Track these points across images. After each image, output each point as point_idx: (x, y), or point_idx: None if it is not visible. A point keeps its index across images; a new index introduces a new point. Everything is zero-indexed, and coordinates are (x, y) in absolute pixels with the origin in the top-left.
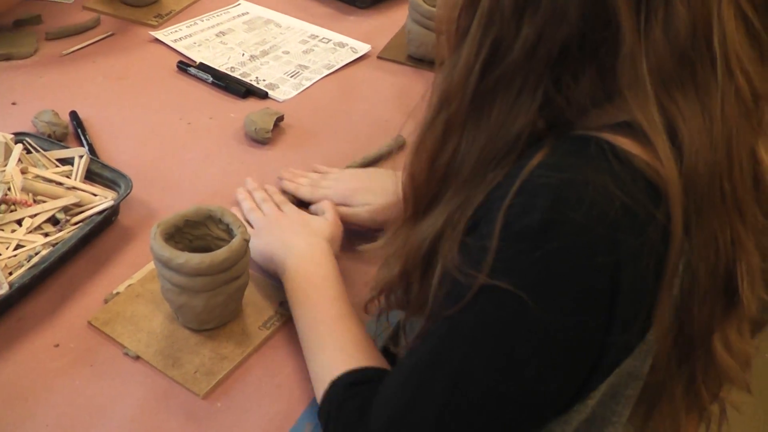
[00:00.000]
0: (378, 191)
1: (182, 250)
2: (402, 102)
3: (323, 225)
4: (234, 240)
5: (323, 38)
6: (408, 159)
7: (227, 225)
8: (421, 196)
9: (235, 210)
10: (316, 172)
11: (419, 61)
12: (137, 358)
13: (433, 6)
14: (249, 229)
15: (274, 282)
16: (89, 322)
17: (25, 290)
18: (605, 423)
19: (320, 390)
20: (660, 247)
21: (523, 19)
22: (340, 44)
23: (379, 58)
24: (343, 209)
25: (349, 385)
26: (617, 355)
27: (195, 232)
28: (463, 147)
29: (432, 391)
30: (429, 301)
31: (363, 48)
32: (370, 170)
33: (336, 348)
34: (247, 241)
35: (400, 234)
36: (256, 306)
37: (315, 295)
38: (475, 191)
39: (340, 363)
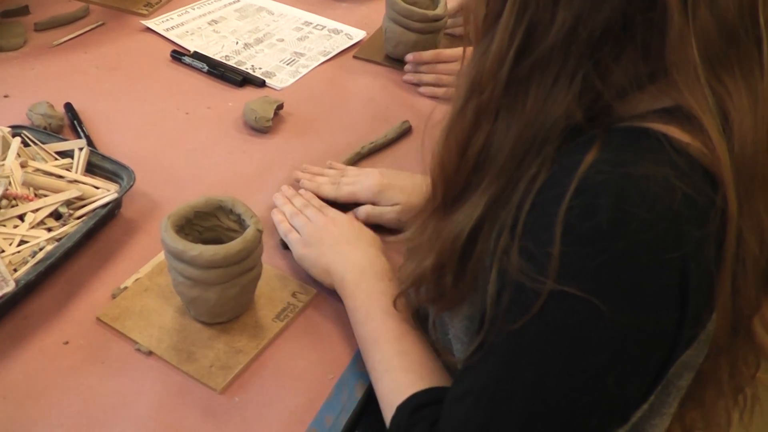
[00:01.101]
0: (408, 189)
1: (192, 241)
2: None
3: (375, 235)
4: (248, 231)
5: (317, 25)
6: (437, 147)
7: (238, 215)
8: (451, 185)
9: (275, 213)
10: (331, 168)
11: (397, 61)
12: (150, 353)
13: (412, 4)
14: (295, 236)
15: (287, 272)
16: (98, 318)
17: (31, 287)
18: (654, 414)
19: (388, 415)
20: (719, 234)
21: (560, 2)
22: (335, 31)
23: (355, 58)
24: (370, 209)
25: (415, 408)
26: (681, 349)
27: (205, 223)
28: (497, 136)
29: (509, 412)
30: (487, 310)
31: (358, 34)
32: (396, 170)
33: (401, 369)
34: (260, 232)
35: (428, 225)
36: (268, 297)
37: (377, 314)
38: (515, 183)
39: (407, 386)
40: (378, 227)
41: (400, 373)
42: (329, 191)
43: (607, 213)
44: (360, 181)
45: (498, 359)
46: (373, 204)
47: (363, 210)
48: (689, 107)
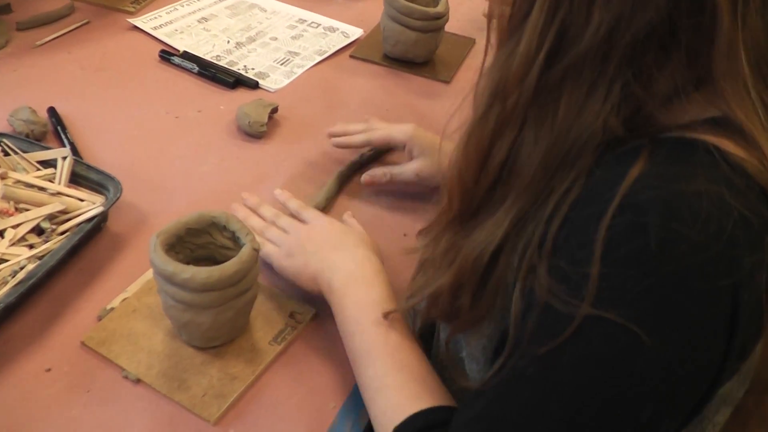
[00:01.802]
0: (435, 149)
1: (183, 260)
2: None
3: (363, 233)
4: (243, 250)
5: (312, 23)
6: (454, 155)
7: (233, 232)
8: (469, 198)
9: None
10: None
11: (396, 61)
12: (138, 381)
13: (411, 1)
14: (271, 247)
15: (284, 290)
16: (83, 342)
17: (11, 309)
18: None
19: None
20: None
21: (596, 2)
22: (331, 29)
23: (351, 57)
24: (391, 168)
25: (420, 430)
26: (722, 382)
27: (197, 240)
28: (523, 148)
29: None
30: (510, 331)
31: (355, 32)
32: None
33: (396, 387)
34: (257, 251)
35: (443, 238)
36: (265, 318)
37: (368, 326)
38: (545, 199)
39: (403, 405)
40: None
41: (394, 391)
42: (360, 139)
43: (655, 233)
44: (393, 126)
45: (522, 386)
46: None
47: (381, 170)
48: (738, 120)
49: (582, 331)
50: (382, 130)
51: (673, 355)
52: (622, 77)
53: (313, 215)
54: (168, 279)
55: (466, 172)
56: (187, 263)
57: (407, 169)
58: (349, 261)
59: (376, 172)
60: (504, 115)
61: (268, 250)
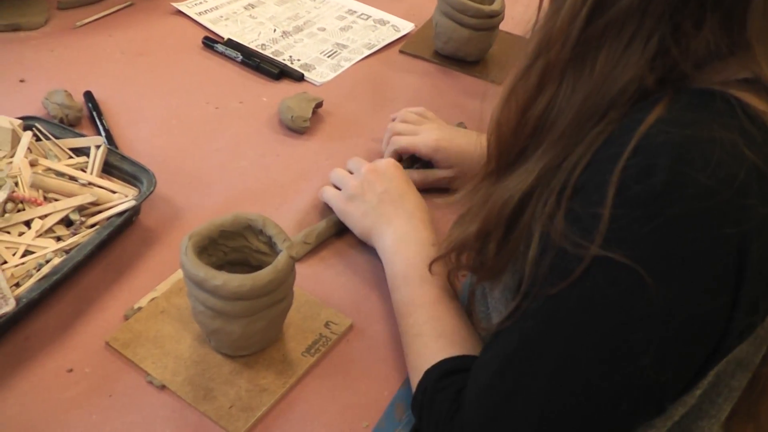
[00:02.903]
0: (465, 152)
1: (216, 263)
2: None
3: (420, 198)
4: (279, 257)
5: (362, 14)
6: (496, 107)
7: (269, 237)
8: (507, 148)
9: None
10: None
11: (447, 59)
12: (163, 387)
13: None
14: (332, 191)
15: (320, 298)
16: (107, 343)
17: (34, 305)
18: (702, 416)
19: (415, 380)
20: None
21: None
22: (381, 21)
23: (401, 53)
24: (423, 173)
25: (443, 374)
26: (735, 341)
27: (231, 243)
28: (560, 98)
29: (534, 381)
30: (519, 267)
31: (406, 26)
32: (456, 128)
33: (432, 335)
34: (294, 259)
35: (480, 189)
36: (298, 327)
37: (414, 280)
38: (573, 149)
39: (436, 351)
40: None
41: (431, 339)
42: (388, 153)
43: (664, 175)
44: (420, 131)
45: (530, 324)
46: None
47: (415, 174)
48: (766, 78)
49: (589, 272)
50: (407, 140)
51: (674, 298)
52: (659, 33)
53: (386, 164)
54: (198, 284)
55: (505, 125)
56: (220, 266)
57: (439, 174)
58: (405, 222)
59: (412, 176)
60: (547, 68)
61: (331, 194)
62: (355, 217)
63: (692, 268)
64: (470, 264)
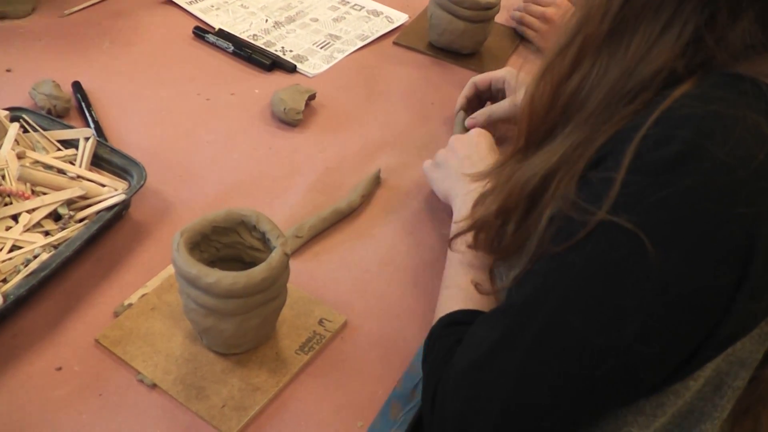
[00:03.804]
0: None
1: (208, 259)
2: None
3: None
4: (273, 254)
5: (355, 5)
6: (531, 82)
7: (263, 233)
8: (537, 125)
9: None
10: None
11: (441, 50)
12: (153, 386)
13: None
14: (427, 162)
15: (314, 294)
16: (97, 341)
17: (22, 302)
18: (704, 418)
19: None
20: None
21: None
22: (375, 12)
23: (395, 44)
24: (486, 109)
25: (451, 322)
26: (734, 331)
27: (224, 239)
28: (594, 77)
29: (521, 334)
30: (532, 244)
31: (400, 18)
32: None
33: (457, 287)
34: (287, 255)
35: (507, 167)
36: (292, 325)
37: (460, 242)
38: (599, 129)
39: (455, 302)
40: None
41: (455, 291)
42: (466, 89)
43: (681, 145)
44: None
45: (530, 281)
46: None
47: (480, 112)
48: None
49: (593, 234)
50: (485, 74)
51: (672, 270)
52: (695, 20)
53: (473, 134)
54: (191, 282)
55: (538, 102)
56: (212, 263)
57: (505, 102)
58: (468, 190)
59: (476, 115)
60: (584, 45)
61: (425, 165)
62: (437, 181)
63: (696, 242)
64: (487, 242)
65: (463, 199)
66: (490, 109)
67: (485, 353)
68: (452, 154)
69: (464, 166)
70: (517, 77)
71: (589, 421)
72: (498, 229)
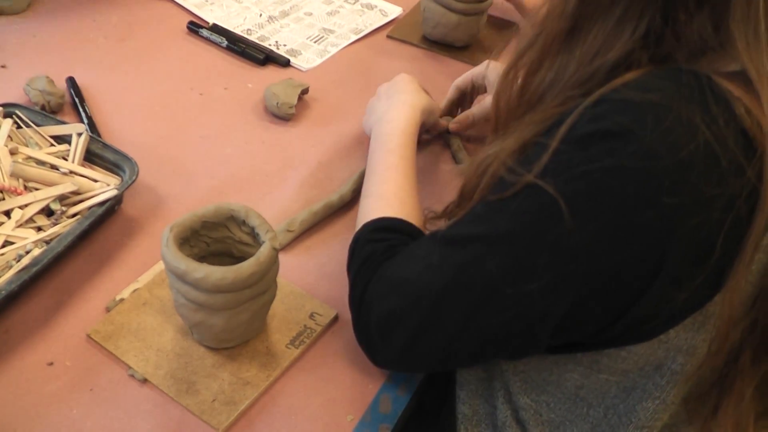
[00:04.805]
0: None
1: (198, 254)
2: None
3: (421, 99)
4: (262, 249)
5: None
6: (499, 81)
7: (252, 228)
8: (505, 119)
9: None
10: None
11: (435, 44)
12: (144, 381)
13: None
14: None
15: (305, 288)
16: (88, 336)
17: (13, 297)
18: (645, 395)
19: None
20: (743, 209)
21: None
22: (368, 6)
23: (389, 38)
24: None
25: (375, 229)
26: (652, 314)
27: (214, 234)
28: (554, 73)
29: (448, 264)
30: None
31: (393, 11)
32: None
33: (377, 196)
34: (276, 250)
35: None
36: (282, 319)
37: (377, 150)
38: (550, 114)
39: (376, 210)
40: None
41: (374, 199)
42: (451, 93)
43: (610, 125)
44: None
45: (464, 221)
46: None
47: (464, 115)
48: (747, 69)
49: (520, 193)
50: (464, 75)
51: (584, 243)
52: (648, 16)
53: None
54: (180, 277)
55: (506, 99)
56: (202, 258)
57: (486, 102)
58: (389, 109)
59: (460, 118)
60: (545, 43)
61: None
62: (365, 122)
63: (612, 221)
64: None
65: (375, 128)
66: (471, 112)
67: (418, 272)
68: (376, 97)
69: (381, 100)
70: (496, 71)
71: (491, 358)
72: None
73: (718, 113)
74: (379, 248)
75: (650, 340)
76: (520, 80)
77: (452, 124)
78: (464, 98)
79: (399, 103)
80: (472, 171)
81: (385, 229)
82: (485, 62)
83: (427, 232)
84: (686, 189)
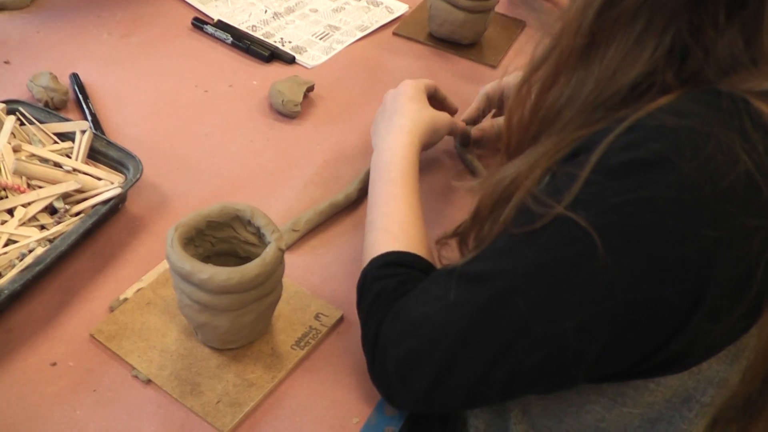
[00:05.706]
0: None
1: (203, 254)
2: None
3: (421, 120)
4: (267, 250)
5: None
6: (512, 96)
7: (258, 228)
8: (519, 136)
9: None
10: None
11: (440, 41)
12: (148, 382)
13: None
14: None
15: (310, 289)
16: (92, 336)
17: (17, 296)
18: (671, 428)
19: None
20: None
21: None
22: (374, 3)
23: (395, 35)
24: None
25: (384, 264)
26: (688, 349)
27: (219, 234)
28: (571, 90)
29: (470, 302)
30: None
31: (400, 8)
32: None
33: (382, 229)
34: (282, 251)
35: (491, 176)
36: (288, 320)
37: (379, 180)
38: (570, 138)
39: (382, 244)
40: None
41: (379, 233)
42: (478, 100)
43: (647, 154)
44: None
45: (486, 255)
46: None
47: (488, 122)
48: None
49: (550, 226)
50: (495, 83)
51: (619, 279)
52: (673, 30)
53: (406, 87)
54: (184, 277)
55: (519, 114)
56: (207, 257)
57: (487, 126)
58: (392, 138)
59: (484, 125)
60: (560, 59)
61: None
62: (372, 133)
63: (650, 255)
64: (468, 248)
65: (375, 157)
66: (497, 121)
67: (436, 311)
68: (382, 107)
69: (384, 120)
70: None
71: (521, 396)
72: (476, 234)
73: (757, 140)
74: (389, 284)
75: (681, 372)
76: (533, 96)
77: (475, 129)
78: (490, 107)
79: (397, 128)
80: (488, 191)
81: (394, 264)
82: (515, 72)
83: (435, 258)
84: (727, 221)
